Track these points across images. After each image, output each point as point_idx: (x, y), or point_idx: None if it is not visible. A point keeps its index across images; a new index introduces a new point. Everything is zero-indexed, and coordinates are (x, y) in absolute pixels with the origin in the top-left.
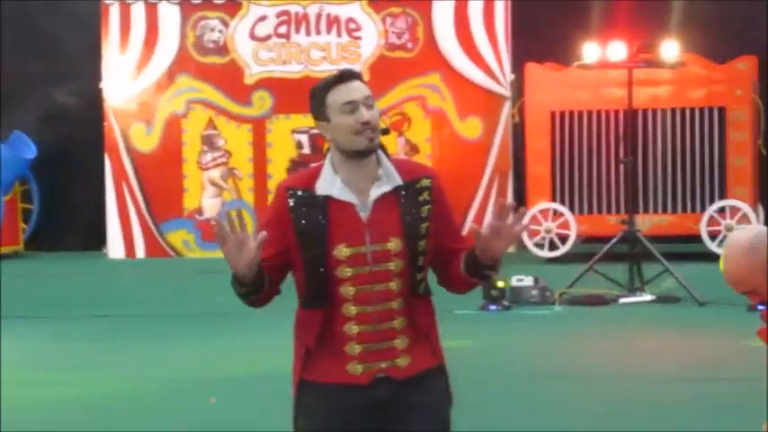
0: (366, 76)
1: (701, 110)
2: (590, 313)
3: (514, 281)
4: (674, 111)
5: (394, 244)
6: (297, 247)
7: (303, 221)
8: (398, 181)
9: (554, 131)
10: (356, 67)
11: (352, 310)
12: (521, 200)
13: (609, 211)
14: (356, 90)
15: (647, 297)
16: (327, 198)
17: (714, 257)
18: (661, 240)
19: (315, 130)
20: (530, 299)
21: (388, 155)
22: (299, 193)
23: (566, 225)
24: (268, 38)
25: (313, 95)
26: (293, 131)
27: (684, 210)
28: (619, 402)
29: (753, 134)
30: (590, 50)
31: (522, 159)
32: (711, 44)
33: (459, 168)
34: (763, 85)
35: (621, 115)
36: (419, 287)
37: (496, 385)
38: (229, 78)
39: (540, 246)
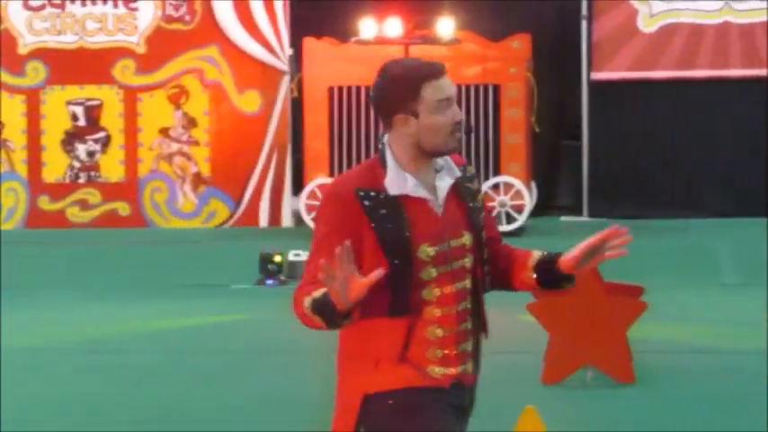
0: (142, 49)
1: (477, 87)
2: None
3: (291, 255)
4: None
5: (467, 238)
6: (379, 253)
7: (385, 224)
8: (457, 172)
9: (332, 106)
10: (133, 39)
11: (436, 312)
12: (299, 174)
13: None
14: (450, 86)
15: None
16: (402, 197)
17: None
18: None
19: (90, 102)
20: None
21: None
22: (372, 194)
23: None
24: (42, 7)
25: (396, 84)
26: (68, 103)
27: None
28: None
29: (526, 111)
30: (367, 26)
31: (300, 134)
32: (486, 22)
33: (237, 142)
34: (536, 63)
35: None
36: (485, 282)
37: (270, 358)
38: (2, 48)
39: None
